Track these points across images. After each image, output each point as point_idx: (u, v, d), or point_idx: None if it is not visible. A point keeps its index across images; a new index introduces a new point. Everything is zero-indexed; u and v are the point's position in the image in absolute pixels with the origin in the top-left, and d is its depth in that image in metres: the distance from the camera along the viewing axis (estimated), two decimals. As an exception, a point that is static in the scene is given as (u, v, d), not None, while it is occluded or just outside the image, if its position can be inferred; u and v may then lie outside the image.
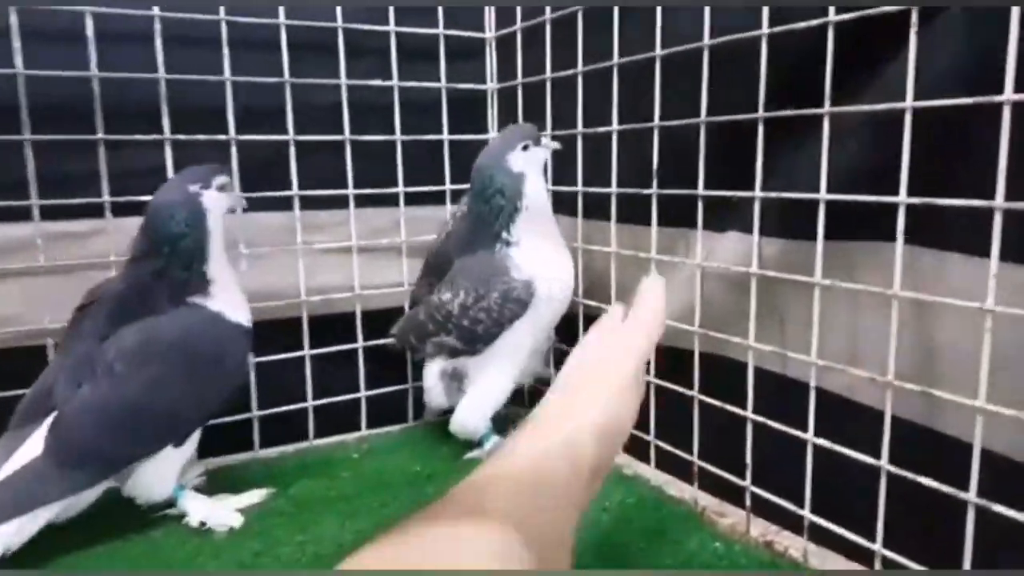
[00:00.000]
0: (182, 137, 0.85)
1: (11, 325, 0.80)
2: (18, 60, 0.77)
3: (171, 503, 0.76)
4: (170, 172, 0.84)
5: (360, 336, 0.97)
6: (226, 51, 0.85)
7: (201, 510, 0.75)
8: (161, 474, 0.74)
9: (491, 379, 0.88)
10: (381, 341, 0.96)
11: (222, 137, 0.87)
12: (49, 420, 0.68)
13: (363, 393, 0.99)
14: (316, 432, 0.96)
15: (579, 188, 0.88)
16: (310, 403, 0.95)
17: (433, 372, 0.91)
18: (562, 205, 0.93)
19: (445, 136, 1.00)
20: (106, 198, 0.82)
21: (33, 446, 0.67)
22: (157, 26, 0.82)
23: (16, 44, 0.76)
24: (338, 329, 0.96)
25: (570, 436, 0.44)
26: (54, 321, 0.79)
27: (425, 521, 0.37)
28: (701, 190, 0.72)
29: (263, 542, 0.72)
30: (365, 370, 0.98)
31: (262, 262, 0.90)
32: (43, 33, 0.79)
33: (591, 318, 0.62)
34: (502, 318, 0.83)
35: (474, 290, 0.83)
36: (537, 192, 0.85)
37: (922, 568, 0.58)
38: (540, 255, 0.84)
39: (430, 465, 0.89)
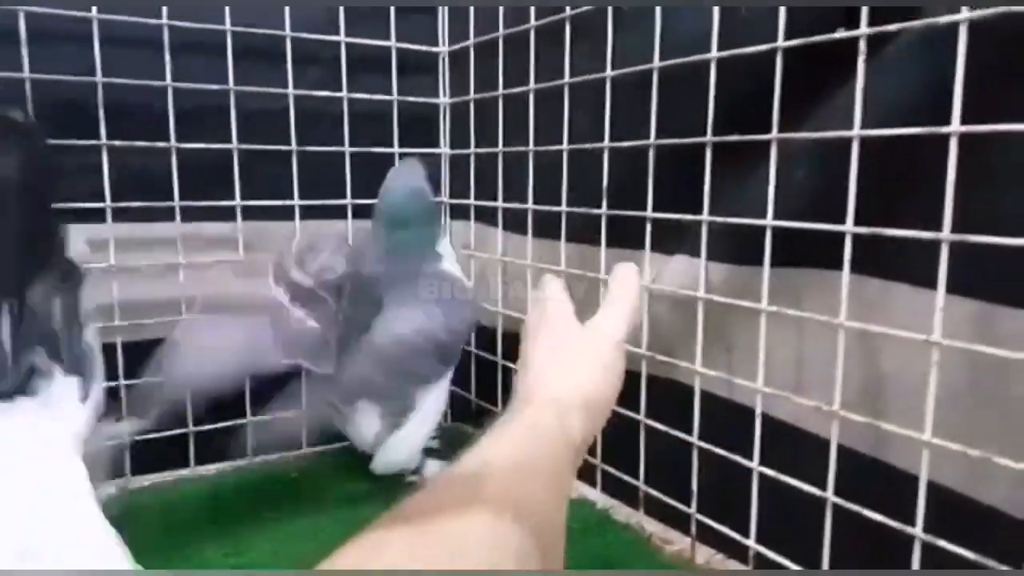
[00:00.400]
0: (119, 143, 0.81)
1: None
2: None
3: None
4: (106, 179, 0.81)
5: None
6: (167, 56, 0.82)
7: None
8: None
9: (432, 406, 0.85)
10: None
11: (162, 144, 0.83)
12: None
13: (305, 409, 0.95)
14: (255, 449, 0.92)
15: (530, 206, 0.87)
16: (249, 419, 0.91)
17: (372, 421, 0.84)
18: (512, 223, 0.92)
19: (396, 149, 0.98)
20: (34, 205, 0.78)
21: None
22: (95, 28, 0.79)
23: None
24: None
25: (558, 414, 0.44)
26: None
27: (412, 516, 0.33)
28: (650, 212, 0.72)
29: (192, 568, 0.68)
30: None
31: (202, 273, 0.86)
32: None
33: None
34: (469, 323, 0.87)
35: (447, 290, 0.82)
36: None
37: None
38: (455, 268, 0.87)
39: (371, 486, 0.86)
